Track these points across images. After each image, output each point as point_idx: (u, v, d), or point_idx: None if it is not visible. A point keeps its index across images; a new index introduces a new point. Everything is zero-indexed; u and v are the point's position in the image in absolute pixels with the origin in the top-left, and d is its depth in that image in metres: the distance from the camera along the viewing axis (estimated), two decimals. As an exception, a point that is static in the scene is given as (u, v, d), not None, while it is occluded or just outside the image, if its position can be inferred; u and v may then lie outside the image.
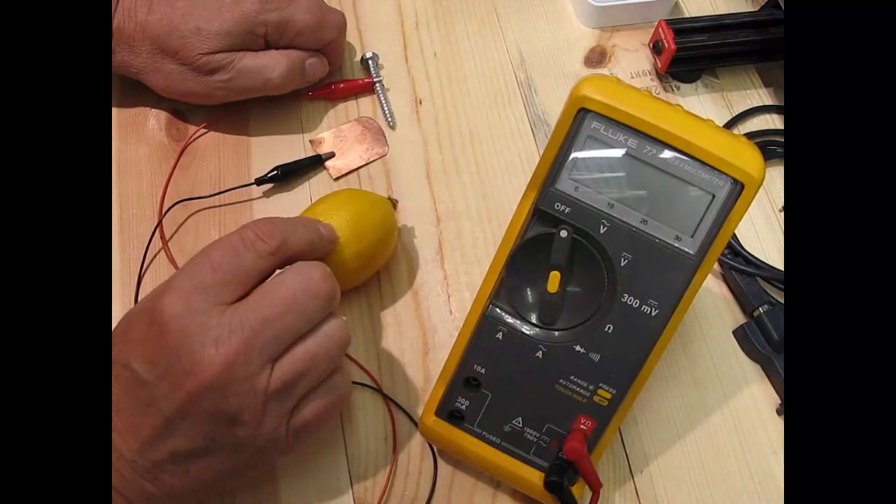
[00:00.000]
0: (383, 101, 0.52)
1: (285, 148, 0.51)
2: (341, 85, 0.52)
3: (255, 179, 0.48)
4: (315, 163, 0.50)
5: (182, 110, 0.51)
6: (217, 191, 0.48)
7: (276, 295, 0.32)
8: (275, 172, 0.48)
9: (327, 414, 0.35)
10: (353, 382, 0.43)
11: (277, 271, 0.34)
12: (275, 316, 0.31)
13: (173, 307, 0.31)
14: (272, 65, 0.47)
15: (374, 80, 0.53)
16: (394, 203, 0.46)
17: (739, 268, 0.47)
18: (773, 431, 0.44)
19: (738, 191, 0.34)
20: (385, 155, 0.51)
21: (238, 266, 0.32)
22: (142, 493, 0.31)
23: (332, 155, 0.50)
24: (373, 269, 0.45)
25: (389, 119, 0.52)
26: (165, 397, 0.30)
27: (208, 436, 0.31)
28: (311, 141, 0.51)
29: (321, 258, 0.37)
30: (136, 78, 0.48)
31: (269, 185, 0.49)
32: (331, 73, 0.52)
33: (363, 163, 0.50)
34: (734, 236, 0.49)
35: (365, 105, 0.53)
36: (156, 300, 0.32)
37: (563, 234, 0.35)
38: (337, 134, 0.51)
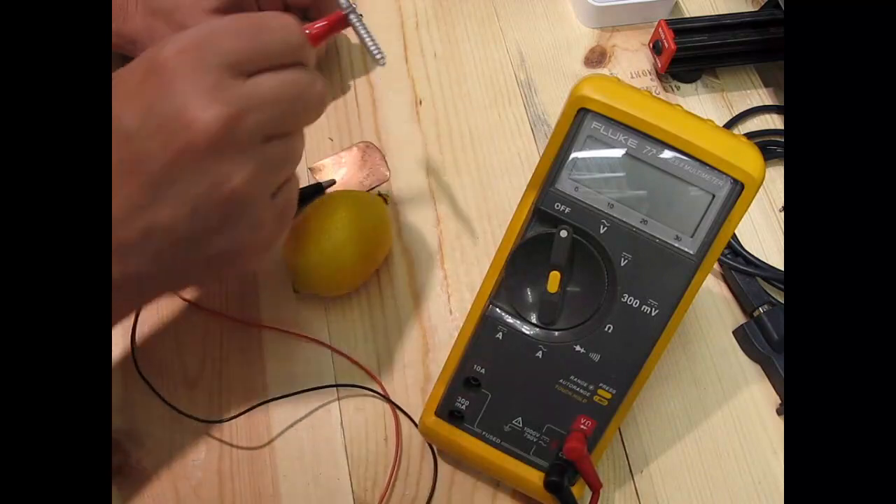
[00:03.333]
0: (363, 34, 0.39)
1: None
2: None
3: None
4: (316, 192, 0.48)
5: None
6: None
7: (288, 79, 0.31)
8: None
9: (293, 208, 0.35)
10: (355, 386, 0.43)
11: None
12: (285, 97, 0.31)
13: (181, 59, 0.29)
14: None
15: (345, 10, 0.38)
16: (385, 198, 0.46)
17: (739, 268, 0.47)
18: (773, 431, 0.44)
19: (738, 191, 0.34)
20: (387, 180, 0.50)
21: (263, 44, 0.31)
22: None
23: (332, 182, 0.49)
24: (372, 267, 0.45)
25: (376, 52, 0.38)
26: (154, 156, 0.28)
27: (195, 208, 0.29)
28: (310, 169, 0.50)
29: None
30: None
31: None
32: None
33: (365, 189, 0.49)
34: (734, 236, 0.49)
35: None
36: (159, 50, 0.29)
37: (563, 234, 0.35)
38: (336, 161, 0.50)
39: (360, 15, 0.38)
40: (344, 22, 0.38)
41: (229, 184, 0.29)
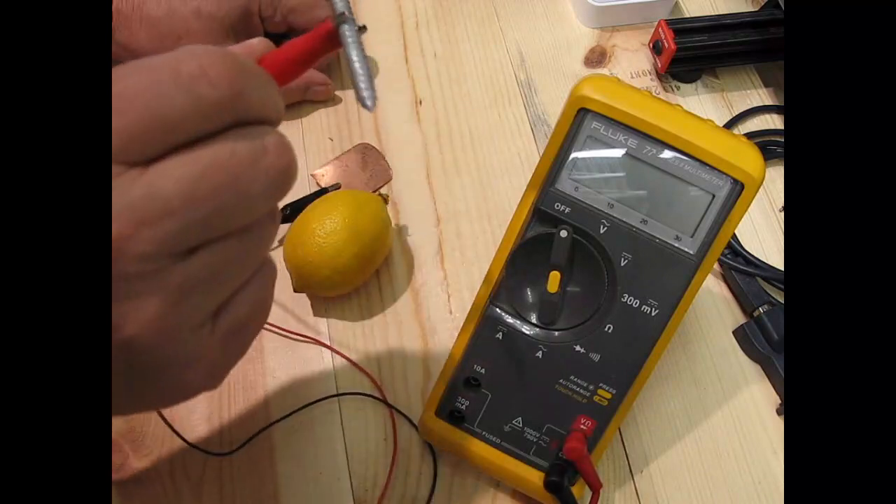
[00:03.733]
0: (355, 59, 0.25)
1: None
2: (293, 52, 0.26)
3: None
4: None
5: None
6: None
7: (211, 162, 0.21)
8: (286, 212, 0.46)
9: (263, 313, 0.25)
10: (356, 393, 0.43)
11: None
12: (204, 194, 0.21)
13: None
14: None
15: (337, 17, 0.24)
16: (384, 199, 0.46)
17: (739, 268, 0.47)
18: (773, 431, 0.44)
19: (738, 191, 0.34)
20: (390, 178, 0.50)
21: (167, 110, 0.20)
22: None
23: (337, 186, 0.49)
24: (372, 267, 0.45)
25: (365, 89, 0.25)
26: None
27: None
28: (312, 175, 0.50)
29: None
30: None
31: None
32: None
33: (370, 190, 0.49)
34: (734, 236, 0.49)
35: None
36: None
37: (563, 234, 0.35)
38: (338, 165, 0.50)
39: (362, 27, 0.25)
40: (333, 38, 0.25)
41: (121, 332, 0.21)
